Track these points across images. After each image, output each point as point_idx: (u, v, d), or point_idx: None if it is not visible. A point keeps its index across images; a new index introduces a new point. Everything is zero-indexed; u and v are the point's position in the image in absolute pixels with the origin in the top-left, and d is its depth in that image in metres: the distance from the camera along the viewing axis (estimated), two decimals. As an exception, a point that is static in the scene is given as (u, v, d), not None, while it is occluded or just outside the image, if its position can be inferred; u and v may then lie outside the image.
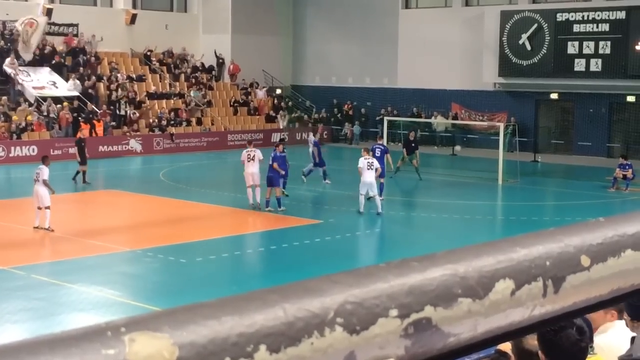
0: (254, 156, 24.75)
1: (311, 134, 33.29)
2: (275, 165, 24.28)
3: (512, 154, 36.10)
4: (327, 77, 51.36)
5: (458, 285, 1.06)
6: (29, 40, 40.20)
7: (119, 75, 44.16)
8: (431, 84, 46.21)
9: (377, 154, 26.90)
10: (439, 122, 44.94)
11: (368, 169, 23.66)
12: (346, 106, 49.74)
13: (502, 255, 1.13)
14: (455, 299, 1.05)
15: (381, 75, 48.96)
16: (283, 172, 24.64)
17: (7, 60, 40.47)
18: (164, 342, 0.82)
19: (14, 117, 37.59)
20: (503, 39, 43.34)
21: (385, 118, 38.07)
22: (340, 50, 50.31)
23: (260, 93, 49.55)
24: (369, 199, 24.07)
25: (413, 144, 32.65)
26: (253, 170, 24.69)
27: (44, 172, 21.32)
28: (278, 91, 51.15)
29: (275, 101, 49.74)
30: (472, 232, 21.67)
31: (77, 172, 30.17)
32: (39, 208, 21.08)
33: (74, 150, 37.84)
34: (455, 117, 44.93)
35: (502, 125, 34.66)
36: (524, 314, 1.15)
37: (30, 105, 39.40)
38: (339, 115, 49.44)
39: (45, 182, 21.21)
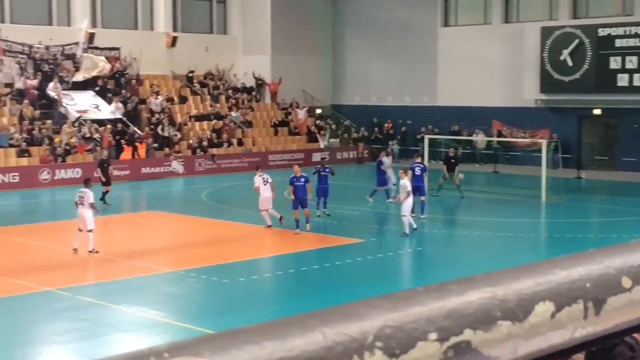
0: (267, 180, 25.05)
1: (383, 153, 32.75)
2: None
3: (555, 170, 35.80)
4: (366, 96, 51.39)
5: (497, 308, 1.06)
6: (88, 72, 40.91)
7: (160, 97, 44.59)
8: (471, 101, 46.04)
9: (417, 173, 26.81)
10: (480, 139, 44.72)
11: (409, 191, 23.54)
12: (386, 125, 49.72)
13: (541, 277, 1.13)
14: (494, 322, 1.05)
15: (421, 93, 48.88)
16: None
17: (51, 84, 41.09)
18: (206, 367, 0.83)
19: (56, 140, 38.09)
20: (544, 55, 43.07)
21: (426, 136, 37.95)
22: (379, 69, 50.35)
23: (301, 113, 49.70)
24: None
25: (453, 160, 32.51)
26: (269, 195, 24.92)
27: (90, 195, 21.48)
28: (318, 111, 51.28)
29: (316, 121, 49.86)
30: (516, 250, 21.49)
31: (104, 193, 30.38)
32: (80, 230, 21.22)
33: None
34: (499, 135, 44.65)
35: (544, 142, 34.39)
36: (564, 336, 1.15)
37: (76, 127, 39.89)
38: (379, 134, 49.42)
39: (92, 205, 21.43)
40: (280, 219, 24.83)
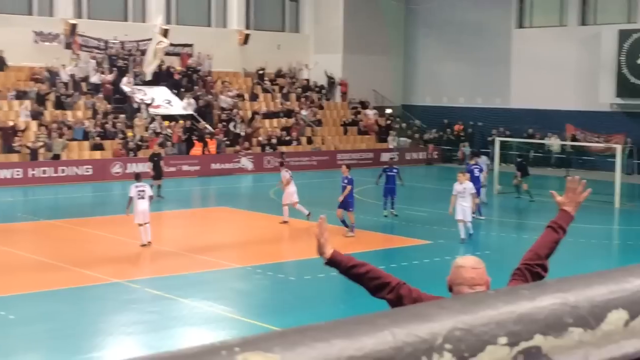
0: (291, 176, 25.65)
1: (476, 158, 32.30)
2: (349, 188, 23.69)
3: (629, 176, 35.12)
4: (438, 97, 51.09)
5: (569, 315, 1.05)
6: (153, 59, 41.57)
7: (231, 94, 45.01)
8: (545, 104, 45.42)
9: (476, 174, 26.59)
10: (553, 143, 44.09)
11: (462, 196, 22.85)
12: (457, 126, 49.36)
13: (615, 285, 1.11)
14: (565, 329, 1.04)
15: (493, 95, 48.41)
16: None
17: (125, 79, 41.80)
18: (275, 363, 0.84)
19: (129, 134, 38.73)
20: (621, 58, 42.27)
21: (497, 139, 37.56)
22: (451, 70, 50.00)
23: (371, 113, 49.65)
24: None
25: (524, 163, 32.33)
26: (294, 189, 25.42)
27: (149, 188, 21.84)
28: (388, 111, 51.14)
29: (386, 121, 49.74)
30: (587, 257, 21.14)
31: (159, 187, 30.97)
32: (141, 225, 21.43)
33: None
34: (574, 139, 43.93)
35: (619, 147, 33.75)
36: (638, 345, 1.12)
37: (147, 121, 40.50)
38: (450, 136, 49.11)
39: (151, 198, 21.78)
40: (308, 215, 25.10)
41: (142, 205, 21.38)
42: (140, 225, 21.34)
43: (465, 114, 49.29)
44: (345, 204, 23.51)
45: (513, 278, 5.02)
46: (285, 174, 25.74)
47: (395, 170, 27.20)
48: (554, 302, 1.06)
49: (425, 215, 28.10)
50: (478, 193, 26.09)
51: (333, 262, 5.02)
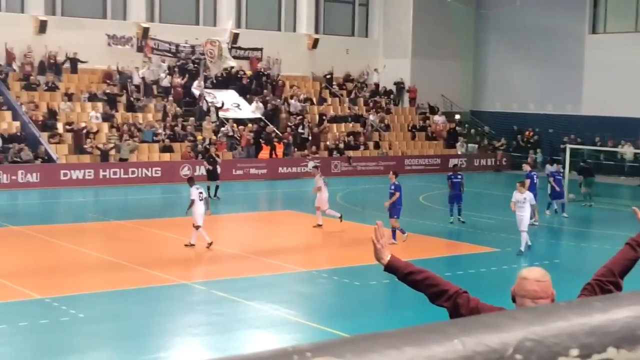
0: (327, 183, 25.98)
1: (548, 165, 32.08)
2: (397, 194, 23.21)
3: None
4: (507, 103, 50.58)
5: (643, 328, 1.03)
6: (215, 60, 41.97)
7: (299, 98, 45.21)
8: (618, 111, 44.59)
9: (535, 181, 26.32)
10: (625, 151, 43.28)
11: (522, 205, 22.13)
12: (527, 133, 48.80)
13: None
14: (639, 342, 1.02)
15: (564, 101, 47.73)
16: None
17: (195, 82, 42.31)
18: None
19: (199, 137, 39.16)
20: (696, 65, 41.33)
21: (568, 146, 37.01)
22: (522, 76, 49.46)
23: (439, 118, 49.39)
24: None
25: (587, 167, 31.97)
26: (327, 195, 25.79)
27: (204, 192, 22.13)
28: (457, 116, 50.82)
29: (454, 126, 49.41)
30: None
31: (216, 188, 31.39)
32: (198, 226, 21.61)
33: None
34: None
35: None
36: None
37: (220, 126, 40.91)
38: (520, 142, 48.57)
39: (207, 200, 22.05)
40: (340, 217, 25.46)
41: (202, 208, 21.66)
42: (197, 227, 21.59)
43: (536, 120, 48.70)
44: (391, 211, 23.20)
45: (582, 293, 4.90)
46: (319, 180, 25.76)
47: (460, 177, 27.00)
48: (627, 315, 1.04)
49: (493, 223, 27.81)
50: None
51: (391, 268, 5.01)
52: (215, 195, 31.44)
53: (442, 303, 4.82)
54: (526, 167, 28.27)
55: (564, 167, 32.82)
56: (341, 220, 25.53)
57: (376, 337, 0.84)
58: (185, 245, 21.70)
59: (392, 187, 23.42)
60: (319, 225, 25.55)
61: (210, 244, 21.56)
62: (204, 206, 21.76)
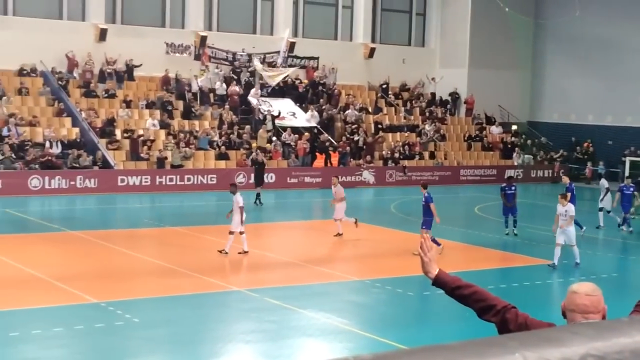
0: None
1: (603, 179, 31.50)
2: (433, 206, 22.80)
3: None
4: (565, 113, 50.00)
5: None
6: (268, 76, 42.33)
7: (355, 107, 45.22)
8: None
9: (574, 193, 25.98)
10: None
11: (563, 219, 21.66)
12: (585, 144, 48.18)
13: None
14: None
15: (624, 113, 47.02)
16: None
17: (252, 90, 42.59)
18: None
19: (254, 145, 39.38)
20: None
21: (628, 159, 36.45)
22: (580, 87, 48.86)
23: (496, 129, 49.02)
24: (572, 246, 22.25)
25: None
26: (344, 206, 25.63)
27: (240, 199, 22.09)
28: (514, 127, 50.37)
29: (511, 137, 48.99)
30: None
31: (258, 195, 31.69)
32: (242, 233, 21.72)
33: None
34: None
35: None
36: None
37: (275, 134, 41.09)
38: (578, 154, 47.96)
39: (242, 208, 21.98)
40: (355, 222, 25.58)
41: (238, 215, 21.76)
42: (241, 233, 21.68)
43: (594, 132, 48.07)
44: (423, 222, 22.91)
45: (635, 309, 4.80)
46: (340, 190, 25.59)
47: (513, 189, 26.72)
48: (694, 332, 1.02)
49: (549, 235, 27.47)
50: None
51: (439, 282, 4.97)
52: (258, 201, 31.80)
53: (490, 318, 4.77)
54: (565, 180, 27.90)
55: (622, 180, 32.34)
56: (356, 226, 25.66)
57: (437, 350, 0.83)
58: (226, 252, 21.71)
59: (424, 200, 23.05)
60: (339, 235, 25.45)
61: (224, 252, 21.57)
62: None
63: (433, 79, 49.99)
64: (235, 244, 21.81)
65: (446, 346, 0.86)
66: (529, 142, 49.26)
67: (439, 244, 22.52)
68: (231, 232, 21.72)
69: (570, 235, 21.58)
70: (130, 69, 41.72)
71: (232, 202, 22.06)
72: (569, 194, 23.69)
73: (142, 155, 36.97)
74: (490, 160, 46.65)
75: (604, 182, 30.27)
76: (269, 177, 37.72)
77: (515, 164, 46.06)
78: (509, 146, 47.86)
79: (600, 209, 29.32)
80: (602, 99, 47.79)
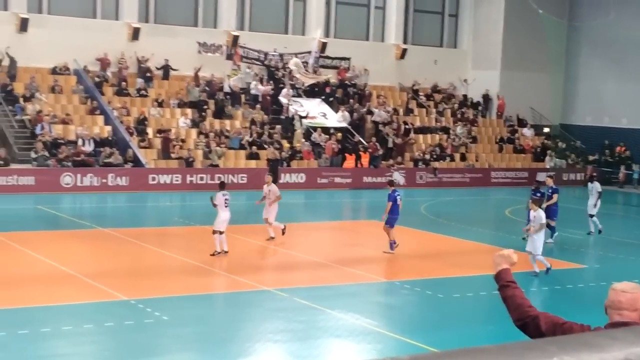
0: None
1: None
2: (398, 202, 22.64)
3: None
4: (598, 116, 49.59)
5: None
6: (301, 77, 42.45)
7: (386, 108, 45.13)
8: None
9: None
10: None
11: (533, 225, 20.39)
12: (619, 148, 47.75)
13: None
14: None
15: (659, 116, 46.59)
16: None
17: (284, 91, 42.64)
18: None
19: (285, 145, 39.42)
20: None
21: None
22: (614, 90, 48.42)
23: (528, 131, 48.73)
24: None
25: None
26: (276, 209, 24.47)
27: (228, 197, 21.80)
28: (546, 130, 50.03)
29: (543, 139, 48.66)
30: None
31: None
32: (221, 233, 21.38)
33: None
34: None
35: None
36: None
37: (306, 134, 41.13)
38: (608, 157, 47.54)
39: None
40: (283, 230, 24.09)
41: (227, 215, 21.56)
42: (221, 233, 21.40)
43: (628, 135, 47.62)
44: (387, 220, 22.75)
45: None
46: (274, 189, 24.52)
47: (540, 193, 26.40)
48: None
49: (580, 239, 27.28)
50: (553, 214, 24.80)
51: (497, 277, 5.11)
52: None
53: (521, 322, 4.83)
54: (549, 182, 26.69)
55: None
56: (283, 233, 24.22)
57: (475, 352, 0.82)
58: (212, 255, 21.42)
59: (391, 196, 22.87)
60: (272, 238, 24.18)
61: (218, 253, 21.28)
62: (229, 213, 21.61)
63: (465, 80, 49.79)
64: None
65: (484, 349, 0.84)
66: (560, 144, 48.88)
67: (394, 245, 22.54)
68: (221, 232, 21.42)
69: (535, 244, 20.28)
70: (166, 70, 41.93)
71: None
72: (543, 199, 23.15)
73: (173, 153, 37.13)
74: (521, 162, 46.39)
75: (596, 186, 28.64)
76: (299, 177, 37.75)
77: (548, 166, 45.75)
78: (541, 149, 47.53)
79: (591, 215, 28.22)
80: (636, 102, 47.34)
